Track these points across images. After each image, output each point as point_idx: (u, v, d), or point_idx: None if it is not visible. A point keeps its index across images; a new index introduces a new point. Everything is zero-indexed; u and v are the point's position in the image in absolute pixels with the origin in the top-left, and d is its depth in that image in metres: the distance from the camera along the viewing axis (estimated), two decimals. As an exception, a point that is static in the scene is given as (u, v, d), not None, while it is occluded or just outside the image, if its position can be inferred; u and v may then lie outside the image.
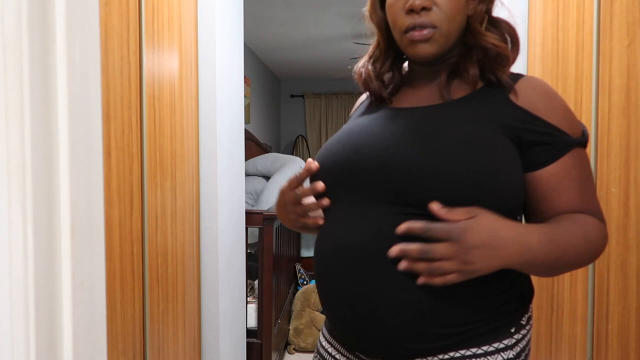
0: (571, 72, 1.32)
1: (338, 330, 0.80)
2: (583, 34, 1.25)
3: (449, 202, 0.66)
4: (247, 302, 2.33)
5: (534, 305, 1.57)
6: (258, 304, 2.41)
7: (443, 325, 0.70)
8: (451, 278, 0.64)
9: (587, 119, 1.22)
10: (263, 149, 4.41)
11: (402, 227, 0.67)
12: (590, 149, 1.20)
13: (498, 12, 0.82)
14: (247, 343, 2.30)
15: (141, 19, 1.28)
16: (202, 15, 1.78)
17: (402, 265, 0.67)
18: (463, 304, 0.70)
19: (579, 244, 0.70)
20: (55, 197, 0.46)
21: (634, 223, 1.04)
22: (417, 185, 0.69)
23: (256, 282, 2.64)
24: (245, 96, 3.40)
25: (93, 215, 0.51)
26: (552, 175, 0.73)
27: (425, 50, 0.76)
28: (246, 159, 3.21)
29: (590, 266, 1.20)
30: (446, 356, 0.71)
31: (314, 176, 0.83)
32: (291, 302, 3.14)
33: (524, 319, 0.76)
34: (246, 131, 2.97)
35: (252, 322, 2.43)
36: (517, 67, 1.74)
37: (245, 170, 2.75)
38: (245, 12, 2.26)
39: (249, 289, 2.62)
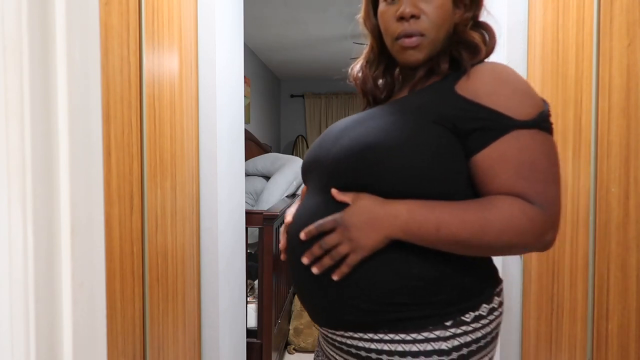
0: (571, 72, 1.32)
1: None
2: (583, 34, 1.25)
3: (356, 186, 0.76)
4: (247, 302, 2.33)
5: (534, 304, 1.57)
6: (258, 304, 2.41)
7: (364, 299, 0.74)
8: (350, 259, 0.74)
9: (587, 119, 1.22)
10: (263, 149, 4.41)
11: (302, 235, 0.78)
12: (590, 148, 1.20)
13: (492, 16, 0.82)
14: (247, 343, 2.30)
15: (141, 19, 1.28)
16: (202, 15, 1.78)
17: (314, 270, 0.77)
18: (380, 283, 0.74)
19: (470, 218, 0.70)
20: (55, 197, 0.46)
21: (634, 223, 1.04)
22: (334, 171, 0.79)
23: (256, 282, 2.64)
24: (245, 96, 3.40)
25: (93, 215, 0.51)
26: (486, 160, 0.73)
27: (415, 57, 0.82)
28: (246, 159, 3.21)
29: (590, 266, 1.20)
30: (376, 337, 0.74)
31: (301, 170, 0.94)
32: (291, 302, 3.14)
33: (467, 315, 0.74)
34: (246, 131, 2.97)
35: (252, 322, 2.43)
36: (517, 67, 1.74)
37: (245, 170, 2.75)
38: (245, 12, 2.26)
39: (249, 289, 2.62)
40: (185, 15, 1.64)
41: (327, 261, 0.75)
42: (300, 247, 0.80)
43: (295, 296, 3.09)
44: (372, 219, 0.72)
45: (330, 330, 0.80)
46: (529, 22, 1.64)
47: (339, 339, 0.79)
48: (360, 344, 0.76)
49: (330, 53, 4.91)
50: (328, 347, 0.84)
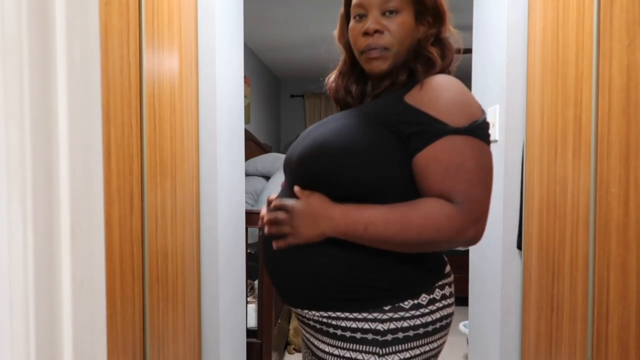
0: (571, 72, 1.32)
1: None
2: (583, 34, 1.25)
3: (314, 175, 0.88)
4: (247, 302, 2.33)
5: (534, 304, 1.57)
6: (258, 304, 2.41)
7: (317, 284, 0.87)
8: (288, 239, 0.89)
9: (587, 119, 1.22)
10: (263, 149, 4.41)
11: (274, 203, 0.93)
12: (590, 148, 1.20)
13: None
14: (247, 343, 2.30)
15: (141, 19, 1.28)
16: (202, 15, 1.78)
17: (266, 230, 0.94)
18: (328, 271, 0.87)
19: (394, 218, 0.80)
20: (55, 197, 0.46)
21: (634, 223, 1.04)
22: (298, 166, 0.92)
23: (256, 282, 2.64)
24: (245, 96, 3.40)
25: (93, 215, 0.51)
26: (422, 161, 0.82)
27: (378, 67, 0.91)
28: (246, 159, 3.20)
29: (590, 266, 1.20)
30: (325, 314, 0.88)
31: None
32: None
33: (406, 302, 0.85)
34: (246, 131, 2.97)
35: (252, 322, 2.43)
36: (517, 67, 1.74)
37: (245, 170, 2.75)
38: (245, 12, 2.26)
39: (249, 289, 2.62)
40: (185, 15, 1.64)
41: (273, 229, 0.91)
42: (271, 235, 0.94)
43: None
44: (312, 216, 0.86)
45: (291, 307, 0.96)
46: (529, 22, 1.64)
47: (300, 313, 0.94)
48: (315, 318, 0.91)
49: (330, 53, 4.90)
50: (297, 321, 1.00)
